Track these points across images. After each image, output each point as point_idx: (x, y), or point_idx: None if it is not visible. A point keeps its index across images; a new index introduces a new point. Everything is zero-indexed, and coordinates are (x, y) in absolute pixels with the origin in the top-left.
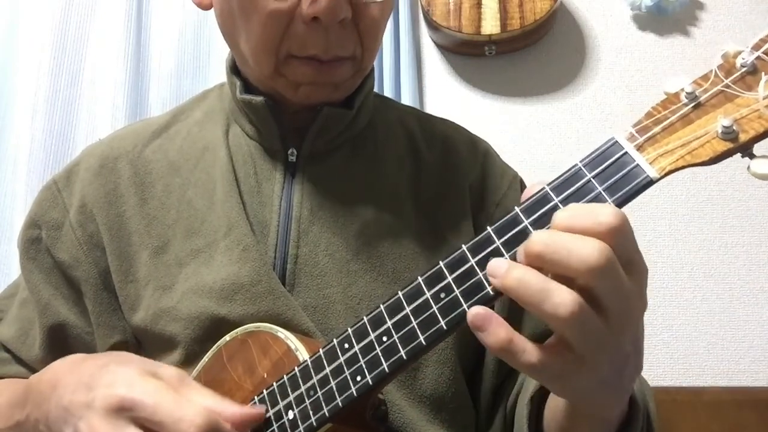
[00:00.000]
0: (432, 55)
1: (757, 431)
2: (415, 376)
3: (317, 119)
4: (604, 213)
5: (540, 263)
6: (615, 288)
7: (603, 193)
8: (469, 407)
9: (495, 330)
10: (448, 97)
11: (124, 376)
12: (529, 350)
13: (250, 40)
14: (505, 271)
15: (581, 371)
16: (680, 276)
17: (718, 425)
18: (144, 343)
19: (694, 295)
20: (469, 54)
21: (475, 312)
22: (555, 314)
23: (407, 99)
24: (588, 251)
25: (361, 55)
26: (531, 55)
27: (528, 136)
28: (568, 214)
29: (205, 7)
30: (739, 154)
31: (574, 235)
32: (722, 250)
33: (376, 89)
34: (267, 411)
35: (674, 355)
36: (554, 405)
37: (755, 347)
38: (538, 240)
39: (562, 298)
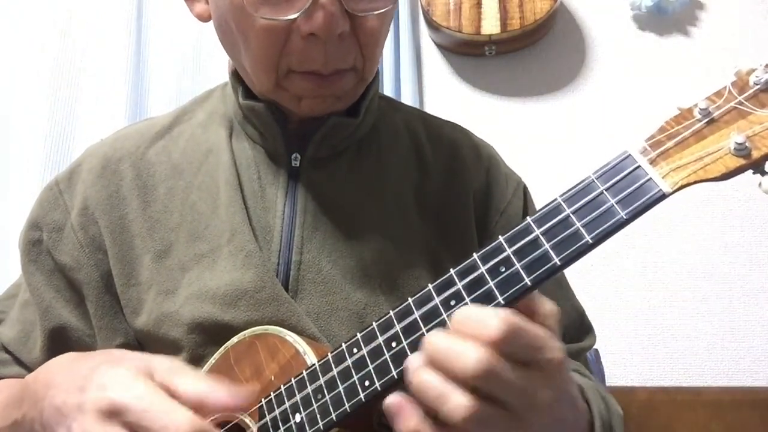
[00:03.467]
0: (432, 55)
1: (757, 431)
2: None
3: (322, 127)
4: (489, 324)
5: (432, 365)
6: (503, 388)
7: (615, 206)
8: None
9: (407, 419)
10: (448, 97)
11: (116, 378)
12: None
13: (248, 56)
14: (412, 372)
15: None
16: (680, 276)
17: (718, 425)
18: (147, 347)
19: (694, 295)
20: (469, 54)
21: (389, 402)
22: (451, 419)
23: (407, 99)
24: (466, 359)
25: (363, 65)
26: (531, 55)
27: (528, 136)
28: (460, 318)
29: (205, 20)
30: (750, 171)
31: (459, 342)
32: (722, 250)
33: None
34: (273, 411)
35: (674, 355)
36: None
37: (755, 347)
38: (428, 345)
39: (456, 404)
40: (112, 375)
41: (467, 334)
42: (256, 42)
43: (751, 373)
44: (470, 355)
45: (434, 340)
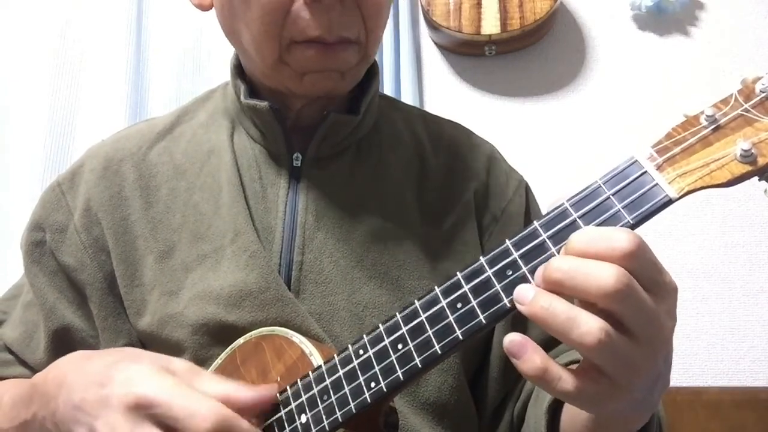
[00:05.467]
0: (432, 55)
1: (757, 431)
2: (418, 384)
3: (322, 125)
4: (619, 238)
5: (559, 289)
6: (637, 310)
7: (622, 210)
8: (473, 414)
9: (530, 357)
10: (448, 97)
11: (138, 373)
12: (564, 378)
13: (251, 29)
14: (532, 299)
15: (616, 395)
16: (680, 276)
17: (718, 425)
18: (150, 348)
19: (694, 295)
20: (469, 54)
21: (511, 339)
22: (582, 343)
23: (407, 99)
24: (604, 277)
25: (366, 39)
26: (531, 55)
27: (528, 136)
28: (583, 239)
29: (206, 8)
30: (756, 178)
31: (591, 261)
32: (722, 250)
33: None
34: (279, 411)
35: (674, 355)
36: (572, 415)
37: (755, 347)
38: (557, 267)
39: (589, 327)
40: (135, 370)
41: (595, 254)
42: (258, 11)
43: (751, 373)
44: (607, 273)
45: (559, 264)
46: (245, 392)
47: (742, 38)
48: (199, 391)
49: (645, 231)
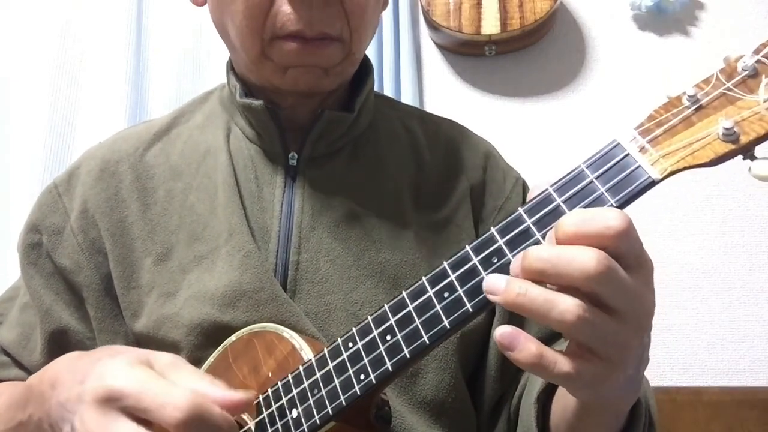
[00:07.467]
0: (432, 55)
1: (757, 431)
2: (416, 382)
3: (318, 123)
4: (612, 217)
5: (540, 277)
6: (620, 290)
7: (605, 194)
8: (470, 412)
9: (525, 346)
10: (448, 97)
11: (112, 367)
12: (560, 361)
13: (235, 23)
14: (504, 287)
15: (612, 374)
16: (680, 276)
17: (718, 425)
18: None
19: (694, 295)
20: (469, 54)
21: (502, 331)
22: (563, 320)
23: (407, 99)
24: (586, 260)
25: (350, 37)
26: (531, 55)
27: (528, 136)
28: (575, 221)
29: (200, 4)
30: (740, 156)
31: (571, 247)
32: (722, 250)
33: (375, 89)
34: (270, 407)
35: (674, 355)
36: (562, 403)
37: (755, 347)
38: (538, 256)
39: (566, 305)
40: (110, 364)
41: (589, 235)
42: (241, 5)
43: (751, 373)
44: (588, 257)
45: (539, 253)
46: (217, 391)
47: (742, 38)
48: (173, 382)
49: (645, 231)
